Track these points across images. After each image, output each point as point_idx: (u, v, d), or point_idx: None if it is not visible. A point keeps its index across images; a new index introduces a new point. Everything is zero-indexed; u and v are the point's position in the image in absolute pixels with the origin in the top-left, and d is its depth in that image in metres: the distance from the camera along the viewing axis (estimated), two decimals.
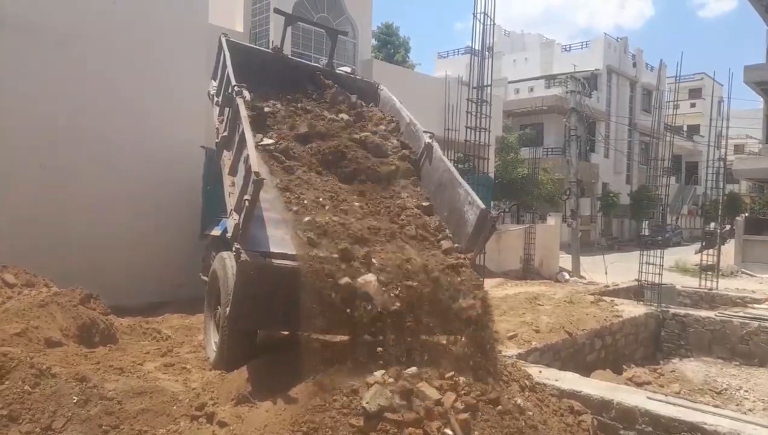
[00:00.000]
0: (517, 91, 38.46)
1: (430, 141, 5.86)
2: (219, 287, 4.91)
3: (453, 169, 5.44)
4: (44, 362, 3.96)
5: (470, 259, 4.79)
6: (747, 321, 9.12)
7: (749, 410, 6.67)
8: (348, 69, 7.80)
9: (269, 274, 4.05)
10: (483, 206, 4.80)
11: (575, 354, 7.50)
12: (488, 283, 7.85)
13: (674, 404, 4.73)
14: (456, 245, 4.86)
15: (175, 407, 3.98)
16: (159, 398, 4.03)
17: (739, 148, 43.20)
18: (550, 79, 38.52)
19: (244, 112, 4.90)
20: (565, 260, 20.05)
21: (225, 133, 5.54)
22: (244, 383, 4.17)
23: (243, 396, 3.94)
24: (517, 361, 5.58)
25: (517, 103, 36.03)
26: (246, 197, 4.08)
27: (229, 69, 5.81)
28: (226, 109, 5.76)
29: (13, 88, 8.56)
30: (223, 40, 6.49)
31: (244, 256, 3.96)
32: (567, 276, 18.12)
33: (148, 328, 6.46)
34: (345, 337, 5.00)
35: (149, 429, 3.68)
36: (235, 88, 5.21)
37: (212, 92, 6.84)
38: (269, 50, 7.24)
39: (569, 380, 5.27)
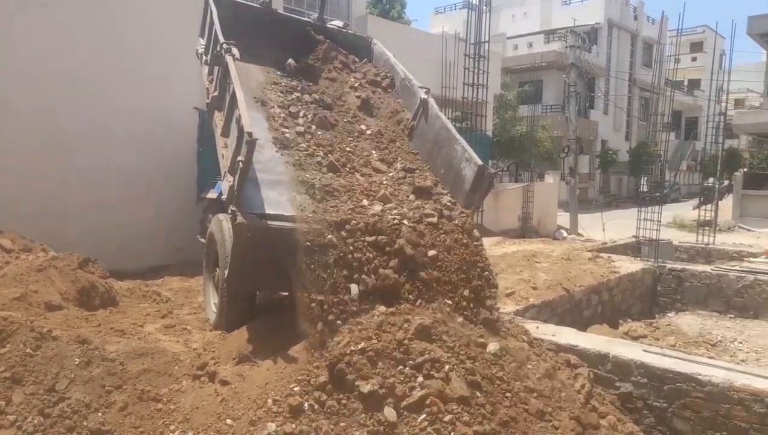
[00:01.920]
0: (516, 46, 37.70)
1: (425, 97, 5.75)
2: (216, 249, 4.91)
3: (450, 125, 5.36)
4: (45, 325, 3.99)
5: (468, 216, 4.78)
6: (743, 274, 9.21)
7: (742, 361, 6.80)
8: (340, 24, 7.58)
9: (265, 236, 4.04)
10: (480, 162, 4.75)
11: (572, 310, 7.60)
12: (486, 242, 7.87)
13: (669, 356, 4.81)
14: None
15: (176, 367, 4.03)
16: (161, 359, 4.08)
17: (739, 103, 42.75)
18: (550, 34, 37.71)
19: (233, 70, 4.78)
20: (563, 218, 20.11)
21: (215, 93, 5.42)
22: (244, 343, 4.22)
23: (244, 355, 4.00)
24: (515, 317, 5.65)
25: (516, 59, 35.37)
26: (239, 158, 4.03)
27: (217, 26, 5.63)
28: (216, 68, 5.62)
29: (6, 53, 8.36)
30: None
31: (240, 219, 3.94)
32: (565, 234, 18.20)
33: (147, 290, 6.49)
34: None
35: (152, 388, 3.74)
36: (224, 46, 5.06)
37: (200, 51, 6.64)
38: (257, 5, 7.02)
39: (566, 335, 5.35)
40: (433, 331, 3.61)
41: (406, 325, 3.59)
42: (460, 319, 3.99)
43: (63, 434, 3.27)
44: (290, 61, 6.38)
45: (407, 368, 3.35)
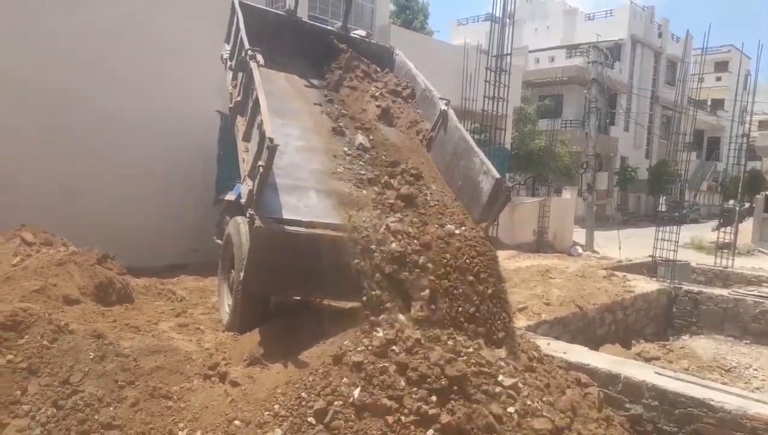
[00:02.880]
0: (538, 60, 37.59)
1: (445, 108, 5.78)
2: (233, 252, 4.97)
3: (469, 137, 5.37)
4: (62, 319, 4.07)
5: (484, 229, 4.78)
6: (761, 300, 9.06)
7: (757, 389, 6.68)
8: (363, 33, 7.66)
9: (282, 241, 4.09)
10: (498, 176, 4.75)
11: (585, 328, 7.52)
12: (501, 255, 7.84)
13: (682, 380, 4.74)
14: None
15: (188, 366, 4.09)
16: (173, 357, 4.14)
17: (763, 124, 42.06)
18: (572, 49, 37.58)
19: (257, 77, 4.86)
20: (579, 234, 19.94)
21: (239, 98, 5.51)
22: (256, 345, 4.27)
23: (255, 358, 4.04)
24: (526, 332, 5.62)
25: (537, 73, 35.26)
26: (260, 163, 4.09)
27: (242, 32, 5.73)
28: (240, 74, 5.72)
29: (26, 48, 8.54)
30: (236, 1, 6.39)
31: (257, 223, 4.00)
32: (580, 250, 18.06)
33: (163, 289, 6.58)
34: (356, 304, 5.09)
35: (163, 386, 3.79)
36: (249, 52, 5.16)
37: (225, 56, 6.77)
38: (283, 12, 7.12)
39: (577, 353, 5.30)
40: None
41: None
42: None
43: (75, 426, 3.33)
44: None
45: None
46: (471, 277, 4.21)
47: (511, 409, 3.49)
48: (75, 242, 6.50)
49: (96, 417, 3.41)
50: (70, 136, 8.88)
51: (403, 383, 3.35)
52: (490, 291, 4.24)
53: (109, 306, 5.21)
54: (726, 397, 4.37)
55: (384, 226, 4.29)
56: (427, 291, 4.02)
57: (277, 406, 3.32)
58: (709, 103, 46.85)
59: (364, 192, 4.83)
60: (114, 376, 3.69)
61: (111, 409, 3.49)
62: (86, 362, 3.70)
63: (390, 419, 3.17)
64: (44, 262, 5.21)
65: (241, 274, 4.45)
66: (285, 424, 3.19)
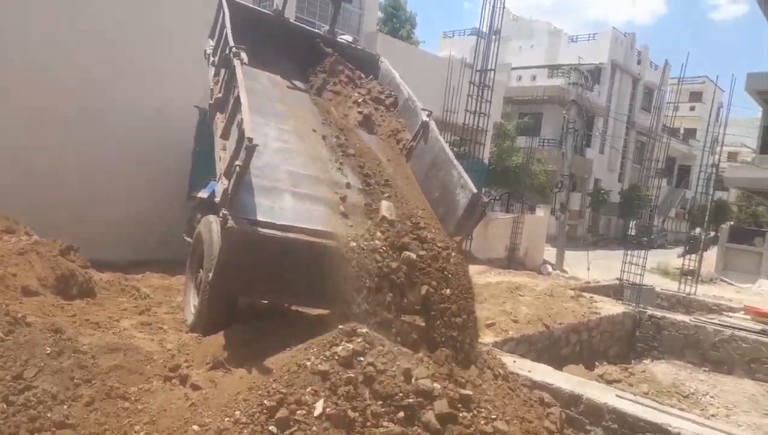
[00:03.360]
0: (520, 78, 38.16)
1: (427, 119, 5.80)
2: (203, 251, 4.88)
3: (448, 149, 5.40)
4: (19, 310, 3.94)
5: (457, 243, 4.80)
6: (721, 328, 9.28)
7: (712, 415, 6.82)
8: (349, 38, 7.65)
9: (254, 243, 4.03)
10: (475, 190, 4.78)
11: (550, 347, 7.60)
12: (472, 270, 7.88)
13: (642, 404, 4.81)
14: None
15: (149, 366, 3.98)
16: (133, 356, 4.03)
17: (732, 156, 43.50)
18: (554, 69, 38.28)
19: (240, 74, 4.80)
20: (550, 253, 20.21)
21: (219, 95, 5.43)
22: (220, 349, 4.18)
23: (218, 361, 3.95)
24: (493, 349, 5.64)
25: (519, 90, 35.79)
26: (237, 163, 4.02)
27: (228, 29, 5.67)
28: (222, 70, 5.64)
29: (11, 38, 8.33)
30: None
31: (230, 223, 3.93)
32: (550, 269, 18.29)
33: (127, 285, 6.42)
34: (325, 311, 5.04)
35: (121, 386, 3.68)
36: (233, 50, 5.10)
37: (209, 51, 6.68)
38: (270, 12, 7.07)
39: (542, 372, 5.34)
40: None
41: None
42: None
43: (25, 424, 3.19)
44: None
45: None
46: (448, 293, 4.22)
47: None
48: (43, 231, 6.31)
49: (48, 415, 3.28)
50: (45, 125, 8.66)
51: (368, 395, 3.31)
52: (464, 308, 4.25)
53: (69, 300, 5.05)
54: (683, 423, 4.44)
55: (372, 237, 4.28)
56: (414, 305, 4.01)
57: (238, 413, 3.24)
58: (681, 131, 48.20)
59: (342, 197, 4.80)
60: (70, 373, 3.57)
61: (65, 407, 3.37)
62: (42, 357, 3.57)
63: (353, 431, 3.13)
64: (4, 251, 5.04)
65: (210, 274, 4.36)
66: (245, 431, 3.11)
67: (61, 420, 3.28)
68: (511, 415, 3.84)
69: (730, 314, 10.64)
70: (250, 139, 3.93)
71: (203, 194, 7.05)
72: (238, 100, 4.57)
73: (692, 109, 50.08)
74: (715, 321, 9.70)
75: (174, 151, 9.54)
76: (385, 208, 4.61)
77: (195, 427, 3.26)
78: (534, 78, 37.71)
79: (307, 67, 6.85)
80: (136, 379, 3.80)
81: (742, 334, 9.10)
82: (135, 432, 3.36)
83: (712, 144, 17.71)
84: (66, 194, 8.74)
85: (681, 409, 5.45)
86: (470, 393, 3.64)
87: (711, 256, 22.04)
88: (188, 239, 6.40)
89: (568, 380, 5.28)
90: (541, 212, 20.66)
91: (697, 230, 22.63)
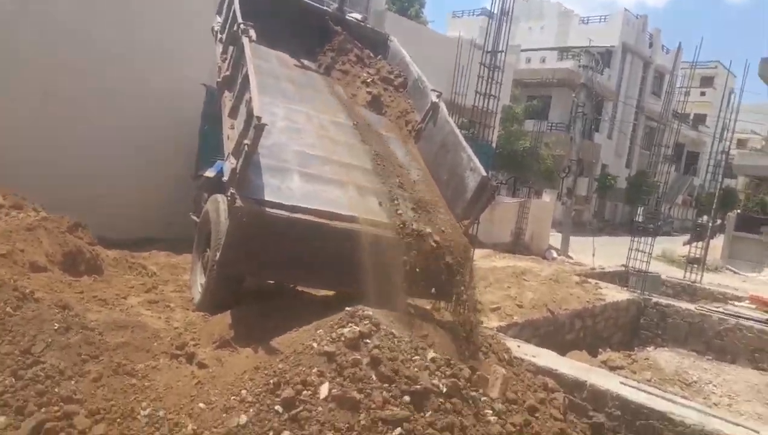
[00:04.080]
0: (529, 60, 37.64)
1: (436, 100, 5.73)
2: (210, 230, 4.87)
3: (458, 132, 5.35)
4: (27, 286, 3.95)
5: (465, 227, 4.77)
6: (726, 317, 9.27)
7: (715, 404, 6.84)
8: (359, 16, 7.54)
9: (262, 223, 4.01)
10: (484, 173, 4.74)
11: (554, 332, 7.61)
12: (477, 254, 7.87)
13: (645, 391, 4.82)
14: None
15: (155, 344, 4.00)
16: (140, 333, 4.04)
17: (742, 143, 43.03)
18: (564, 51, 37.75)
19: (249, 52, 4.74)
20: (555, 238, 20.15)
21: (227, 73, 5.38)
22: (226, 328, 4.19)
23: (225, 340, 3.97)
24: (497, 333, 5.65)
25: (528, 72, 35.33)
26: (246, 142, 3.99)
27: (236, 5, 5.59)
28: (230, 48, 5.58)
29: (19, 18, 8.26)
30: None
31: (238, 202, 3.91)
32: (555, 254, 18.25)
33: (134, 262, 6.43)
34: (330, 292, 5.06)
35: (128, 362, 3.70)
36: (241, 27, 5.03)
37: (216, 28, 6.60)
38: None
39: (546, 357, 5.35)
40: None
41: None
42: None
43: (33, 398, 3.22)
44: None
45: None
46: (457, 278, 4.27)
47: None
48: (50, 208, 6.32)
49: (56, 390, 3.30)
50: (53, 103, 8.63)
51: (374, 378, 3.32)
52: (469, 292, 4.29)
53: (77, 276, 5.06)
54: (687, 412, 4.45)
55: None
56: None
57: (244, 392, 3.26)
58: (691, 117, 47.67)
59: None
60: (77, 349, 3.58)
61: (72, 382, 3.39)
62: (50, 333, 3.59)
63: (358, 413, 3.14)
64: (13, 226, 5.04)
65: (217, 254, 4.36)
66: (251, 410, 3.13)
67: (68, 395, 3.30)
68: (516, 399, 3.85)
69: (736, 303, 10.62)
70: (259, 118, 3.89)
71: (210, 173, 7.00)
72: (246, 78, 4.52)
73: (703, 94, 49.40)
74: (720, 310, 9.68)
75: (181, 129, 9.49)
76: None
77: (201, 405, 3.28)
78: (543, 60, 37.21)
79: (316, 46, 6.77)
80: (143, 356, 3.82)
81: (747, 323, 9.09)
82: (142, 408, 3.38)
83: (723, 130, 17.51)
84: (73, 172, 8.72)
85: (684, 397, 5.46)
86: (476, 377, 3.66)
87: (717, 244, 21.92)
88: (195, 218, 6.39)
89: (572, 366, 5.29)
90: (548, 197, 20.55)
91: (704, 218, 22.48)
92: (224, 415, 3.16)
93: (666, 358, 8.39)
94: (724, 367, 8.38)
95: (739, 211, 28.54)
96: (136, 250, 7.64)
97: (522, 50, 38.16)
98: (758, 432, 4.18)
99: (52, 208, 6.24)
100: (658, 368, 7.80)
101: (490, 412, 3.54)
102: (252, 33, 5.04)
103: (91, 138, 8.98)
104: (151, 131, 9.52)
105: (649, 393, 4.80)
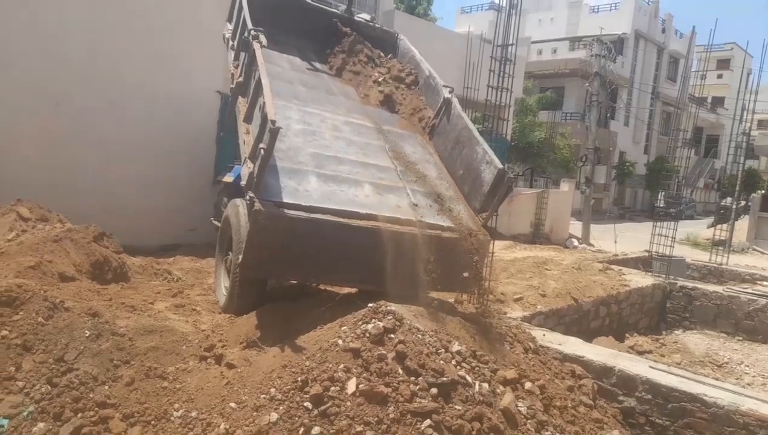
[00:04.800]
0: (540, 51, 37.37)
1: (449, 96, 5.74)
2: (231, 234, 4.94)
3: (472, 126, 5.34)
4: (57, 296, 4.04)
5: (484, 220, 4.77)
6: (755, 298, 9.10)
7: (748, 384, 6.73)
8: (367, 16, 7.58)
9: (282, 225, 4.06)
10: (501, 166, 4.73)
11: (579, 320, 7.55)
12: (497, 246, 7.84)
13: (675, 374, 4.76)
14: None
15: (184, 347, 4.06)
16: (169, 337, 4.11)
17: (763, 124, 42.14)
18: (575, 42, 37.38)
19: (260, 57, 4.79)
20: (576, 227, 19.96)
21: (240, 79, 5.45)
22: (252, 328, 4.24)
23: (251, 341, 4.02)
24: (521, 323, 5.63)
25: (540, 64, 35.07)
26: (261, 146, 4.04)
27: (246, 12, 5.66)
28: (242, 54, 5.65)
29: (30, 26, 8.43)
30: None
31: (257, 206, 3.96)
32: (576, 243, 18.09)
33: (159, 268, 6.53)
34: (353, 289, 5.09)
35: (159, 366, 3.76)
36: (252, 33, 5.09)
37: (227, 36, 6.68)
38: None
39: (572, 345, 5.31)
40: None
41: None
42: None
43: (69, 404, 3.30)
44: None
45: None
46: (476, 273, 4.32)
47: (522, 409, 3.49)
48: (72, 219, 6.45)
49: (90, 395, 3.38)
50: (70, 114, 8.80)
51: (401, 371, 3.34)
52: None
53: (104, 284, 5.16)
54: (719, 393, 4.39)
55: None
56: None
57: (273, 390, 3.30)
58: (709, 100, 46.81)
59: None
60: (109, 355, 3.66)
61: (106, 387, 3.47)
62: (81, 340, 3.67)
63: (387, 407, 3.16)
64: (40, 238, 5.16)
65: (239, 257, 4.42)
66: (281, 408, 3.17)
67: (102, 400, 3.38)
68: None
69: (764, 283, 10.42)
70: (274, 122, 3.94)
71: (229, 178, 7.12)
72: (259, 83, 4.58)
73: (720, 76, 48.51)
74: (749, 290, 9.52)
75: (199, 137, 9.63)
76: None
77: (232, 404, 3.33)
78: (555, 51, 36.92)
79: (326, 48, 6.82)
80: (173, 359, 3.88)
81: None
82: (174, 410, 3.44)
83: (742, 112, 17.18)
84: (95, 183, 8.91)
85: (716, 379, 5.39)
86: (499, 368, 3.66)
87: (742, 225, 21.52)
88: (216, 223, 6.48)
89: (599, 352, 5.25)
90: (566, 186, 20.35)
91: (728, 200, 22.05)
92: (255, 413, 3.20)
93: (695, 340, 8.28)
94: (755, 347, 8.23)
95: (763, 191, 27.95)
96: (161, 256, 7.78)
97: (533, 42, 37.79)
98: None
99: (74, 220, 6.37)
100: (688, 351, 7.70)
101: (521, 404, 3.54)
102: (263, 38, 5.09)
103: (109, 149, 9.15)
104: (168, 141, 9.68)
105: (680, 376, 4.75)
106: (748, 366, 7.38)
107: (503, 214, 14.96)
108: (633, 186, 39.81)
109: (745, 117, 17.86)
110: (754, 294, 9.28)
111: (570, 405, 3.91)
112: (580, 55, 34.43)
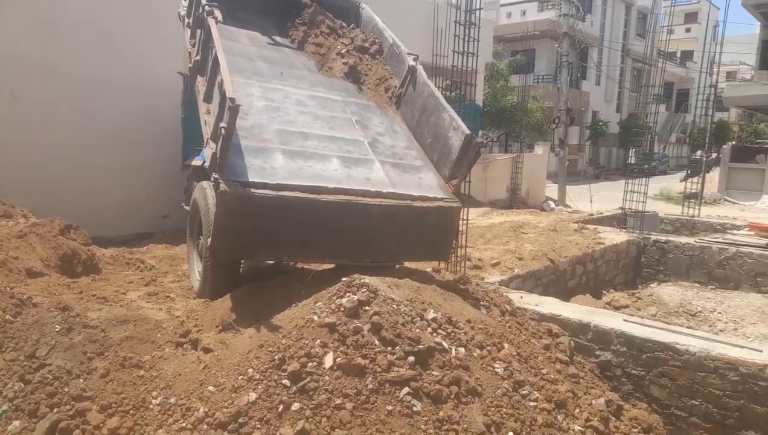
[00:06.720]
0: (509, 15, 37.14)
1: (414, 63, 5.66)
2: (200, 217, 4.86)
3: (438, 93, 5.29)
4: (25, 292, 3.96)
5: (454, 186, 4.77)
6: (725, 247, 9.34)
7: (720, 331, 6.94)
8: None
9: (249, 204, 4.00)
10: (468, 131, 4.71)
11: (557, 280, 7.67)
12: (474, 212, 7.88)
13: (649, 326, 4.88)
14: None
15: (159, 334, 4.02)
16: (143, 326, 4.07)
17: (731, 75, 42.70)
18: (544, 2, 37.16)
19: (216, 33, 4.65)
20: (552, 189, 20.15)
21: (197, 57, 5.29)
22: (228, 311, 4.22)
23: (227, 323, 3.99)
24: (499, 287, 5.69)
25: (509, 27, 34.88)
26: (222, 125, 3.94)
27: None
28: (198, 31, 5.47)
29: None
30: None
31: (222, 187, 3.89)
32: (552, 205, 18.27)
33: (131, 258, 6.44)
34: (328, 265, 5.08)
35: (134, 355, 3.72)
36: (206, 8, 4.93)
37: (183, 13, 6.46)
38: None
39: (549, 305, 5.40)
40: None
41: None
42: None
43: (44, 400, 3.25)
44: None
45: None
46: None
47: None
48: (40, 214, 6.29)
49: (66, 389, 3.34)
50: (31, 103, 8.50)
51: (377, 343, 3.35)
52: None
53: (74, 277, 5.08)
54: (690, 340, 4.52)
55: None
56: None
57: (251, 370, 3.29)
58: (678, 54, 47.16)
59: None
60: (82, 348, 3.61)
61: (81, 381, 3.42)
62: (52, 335, 3.61)
63: (365, 378, 3.18)
64: (3, 235, 5.03)
65: (209, 240, 4.36)
66: (259, 387, 3.17)
67: (78, 393, 3.33)
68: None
69: (735, 232, 10.67)
70: (233, 100, 3.84)
71: (196, 162, 6.98)
72: (216, 60, 4.45)
73: (688, 30, 48.77)
74: (720, 240, 9.75)
75: (166, 121, 9.40)
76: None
77: (210, 388, 3.32)
78: (524, 13, 36.70)
79: (287, 21, 6.66)
80: (149, 348, 3.84)
81: (747, 249, 9.16)
82: (153, 398, 3.42)
83: (710, 64, 17.33)
84: (61, 176, 8.67)
85: (688, 328, 5.54)
86: (475, 333, 3.70)
87: (714, 177, 21.95)
88: (187, 208, 6.37)
89: (575, 310, 5.35)
90: (540, 150, 20.45)
91: (699, 153, 22.42)
92: (234, 395, 3.19)
93: (669, 292, 8.49)
94: (727, 295, 8.48)
95: (733, 142, 28.46)
96: (134, 245, 7.67)
97: (501, 5, 37.57)
98: (761, 350, 4.25)
99: (42, 214, 6.21)
100: (663, 303, 7.90)
101: (497, 365, 3.59)
102: (218, 13, 4.93)
103: (73, 141, 8.89)
104: (132, 127, 9.44)
105: (653, 327, 4.87)
106: (720, 313, 7.60)
107: (479, 181, 15.01)
108: (607, 145, 40.22)
109: (712, 69, 18.03)
110: (725, 243, 9.52)
111: (547, 362, 3.98)
112: (549, 16, 34.26)
